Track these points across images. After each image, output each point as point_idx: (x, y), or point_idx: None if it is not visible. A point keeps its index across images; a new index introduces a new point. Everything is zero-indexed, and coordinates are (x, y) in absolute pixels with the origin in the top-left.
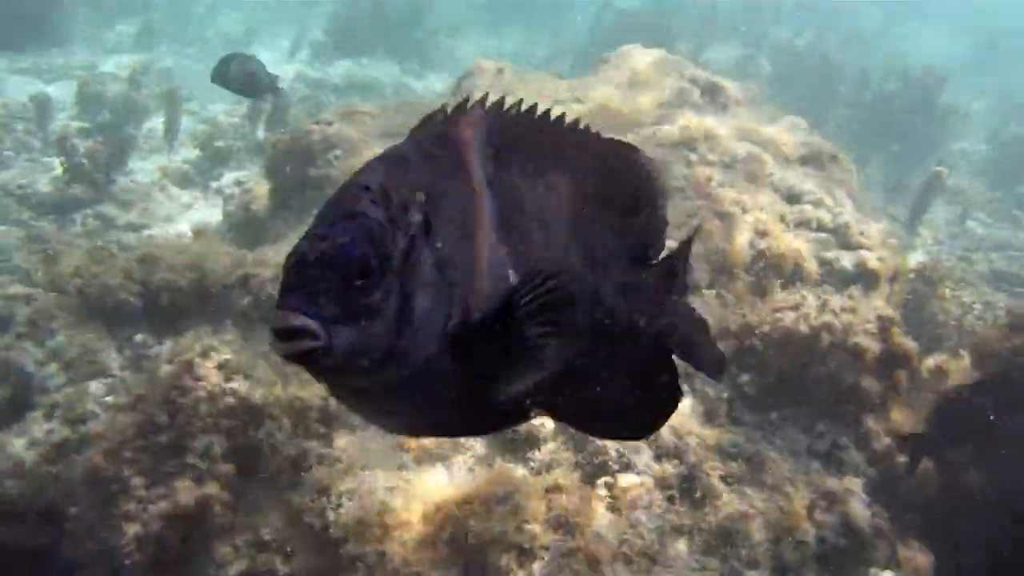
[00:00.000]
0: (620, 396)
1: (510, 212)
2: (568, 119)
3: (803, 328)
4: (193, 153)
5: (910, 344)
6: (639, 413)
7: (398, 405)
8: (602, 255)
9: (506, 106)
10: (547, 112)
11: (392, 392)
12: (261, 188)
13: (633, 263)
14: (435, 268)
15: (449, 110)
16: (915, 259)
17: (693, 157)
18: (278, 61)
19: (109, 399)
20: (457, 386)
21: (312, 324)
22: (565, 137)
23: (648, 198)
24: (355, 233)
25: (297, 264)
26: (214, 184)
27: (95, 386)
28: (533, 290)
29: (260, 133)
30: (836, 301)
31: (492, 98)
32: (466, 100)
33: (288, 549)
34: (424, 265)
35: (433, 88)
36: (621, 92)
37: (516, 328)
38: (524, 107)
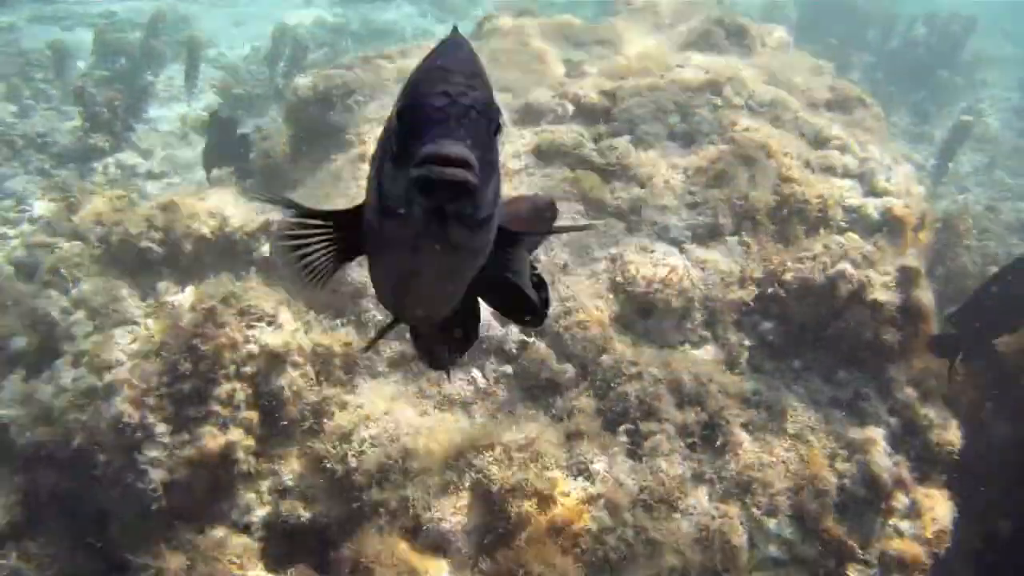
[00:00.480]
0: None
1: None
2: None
3: (824, 279)
4: (213, 100)
5: (929, 298)
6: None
7: (454, 268)
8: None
9: None
10: None
11: (466, 258)
12: (281, 134)
13: None
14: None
15: None
16: (941, 207)
17: (718, 101)
18: (296, 7)
19: (134, 347)
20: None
21: (472, 159)
22: None
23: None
24: (490, 90)
25: (452, 103)
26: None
27: (119, 333)
28: None
29: (279, 79)
30: (859, 250)
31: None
32: None
33: (310, 495)
34: (499, 149)
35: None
36: (645, 35)
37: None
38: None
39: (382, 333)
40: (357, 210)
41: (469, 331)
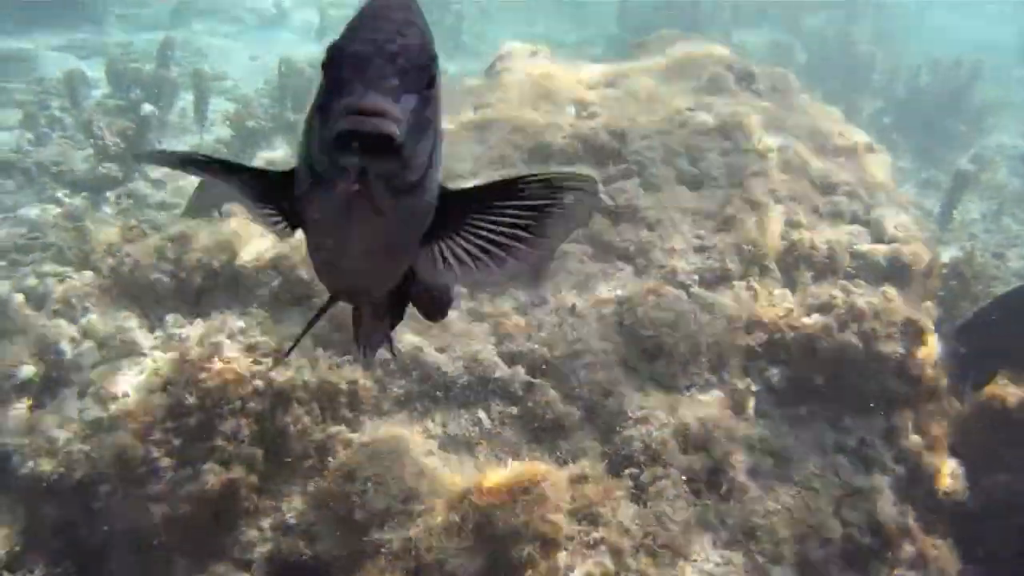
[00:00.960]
0: None
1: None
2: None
3: (832, 325)
4: (225, 132)
5: (936, 347)
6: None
7: (386, 239)
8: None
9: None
10: None
11: (400, 224)
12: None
13: None
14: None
15: None
16: (948, 254)
17: (727, 145)
18: (306, 42)
19: (140, 379)
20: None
21: (397, 112)
22: None
23: None
24: (426, 39)
25: (378, 51)
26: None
27: (126, 365)
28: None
29: (289, 114)
30: (867, 299)
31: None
32: None
33: (313, 533)
34: (436, 100)
35: (464, 70)
36: (656, 78)
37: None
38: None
39: (316, 317)
40: (289, 174)
41: (396, 314)
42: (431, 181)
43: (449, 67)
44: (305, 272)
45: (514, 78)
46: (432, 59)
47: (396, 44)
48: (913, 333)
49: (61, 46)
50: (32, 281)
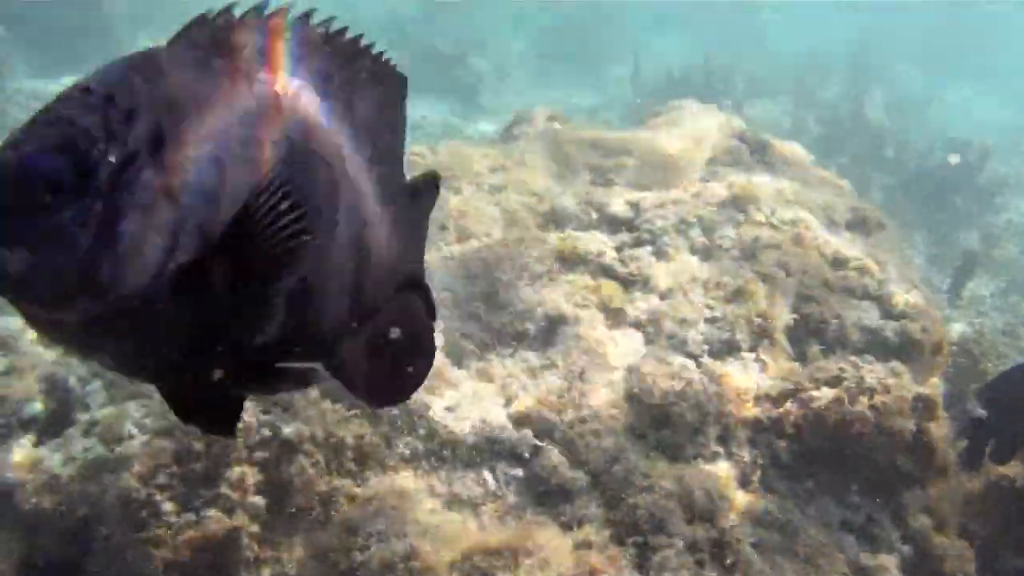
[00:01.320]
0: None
1: (301, 138)
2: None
3: (842, 399)
4: None
5: (941, 433)
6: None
7: (102, 342)
8: (385, 194)
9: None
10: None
11: (92, 328)
12: None
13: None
14: (162, 193)
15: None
16: (957, 331)
17: (740, 217)
18: None
19: (147, 422)
20: (186, 330)
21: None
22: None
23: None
24: (50, 141)
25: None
26: None
27: (134, 407)
28: (270, 208)
29: None
30: (876, 374)
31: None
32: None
33: None
34: (142, 187)
35: (481, 130)
36: (671, 145)
37: (253, 260)
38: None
39: None
40: None
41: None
42: (115, 274)
43: (466, 128)
44: None
45: (530, 148)
46: (53, 167)
47: (1, 157)
48: (924, 409)
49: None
50: None
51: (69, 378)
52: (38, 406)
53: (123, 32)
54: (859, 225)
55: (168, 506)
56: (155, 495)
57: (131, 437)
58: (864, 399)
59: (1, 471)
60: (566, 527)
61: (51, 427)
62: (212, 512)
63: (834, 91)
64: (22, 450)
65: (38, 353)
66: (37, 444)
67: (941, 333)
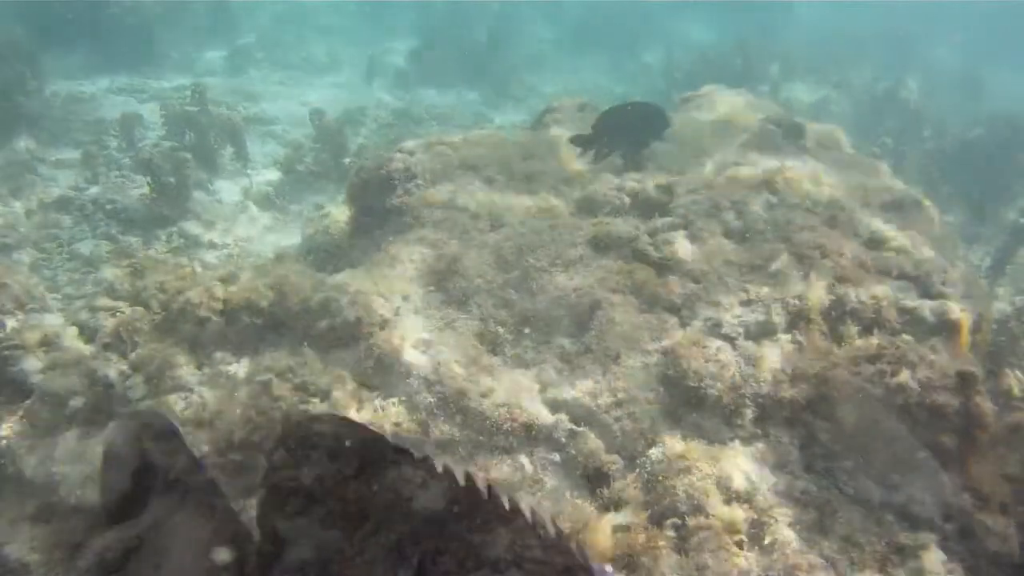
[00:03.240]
0: None
1: None
2: None
3: (878, 381)
4: (275, 175)
5: (988, 405)
6: None
7: None
8: None
9: None
10: None
11: None
12: (340, 213)
13: None
14: None
15: None
16: (998, 309)
17: (773, 199)
18: (357, 88)
19: (187, 414)
20: None
21: None
22: None
23: None
24: None
25: None
26: (295, 207)
27: (173, 400)
28: None
29: (344, 160)
30: (916, 352)
31: None
32: None
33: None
34: None
35: (511, 119)
36: (704, 131)
37: None
38: None
39: None
40: None
41: None
42: None
43: (496, 117)
44: (352, 314)
45: (563, 131)
46: None
47: None
48: (966, 385)
49: (121, 89)
50: (85, 315)
51: (108, 372)
52: (80, 400)
53: (160, 32)
54: (896, 205)
55: None
56: None
57: None
58: (905, 374)
59: (47, 465)
60: (604, 510)
61: (93, 420)
62: (252, 502)
63: (871, 73)
64: (67, 443)
65: (79, 350)
66: (80, 437)
67: (981, 312)
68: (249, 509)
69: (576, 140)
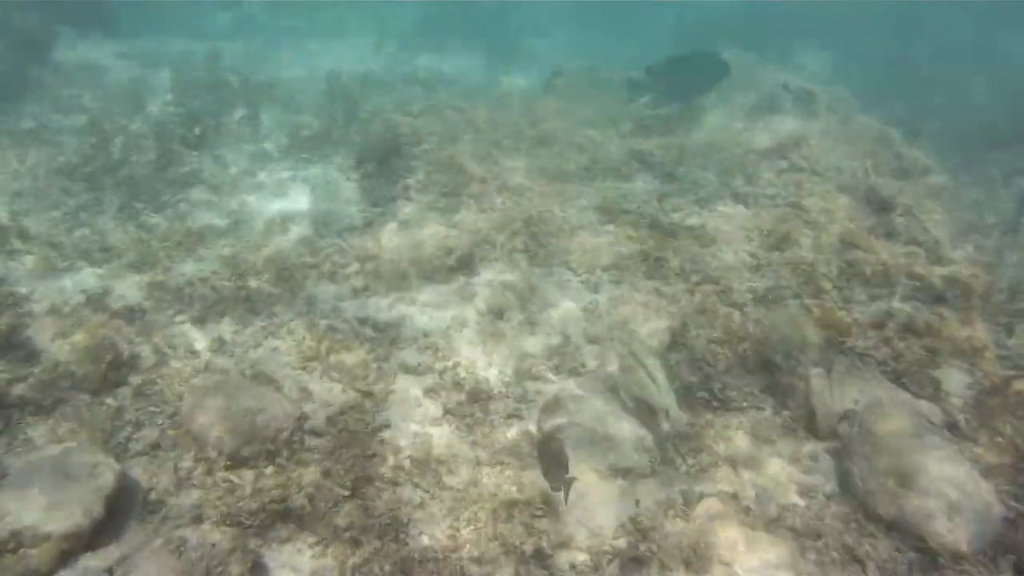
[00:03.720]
0: None
1: None
2: None
3: (886, 347)
4: (283, 141)
5: (997, 370)
6: None
7: None
8: None
9: None
10: None
11: None
12: (349, 178)
13: None
14: None
15: None
16: (1008, 276)
17: (783, 164)
18: (365, 54)
19: (196, 380)
20: None
21: None
22: None
23: None
24: None
25: None
26: (303, 172)
27: (183, 363)
28: None
29: (350, 124)
30: (924, 318)
31: None
32: None
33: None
34: None
35: (517, 84)
36: (713, 97)
37: None
38: None
39: None
40: None
41: None
42: None
43: (504, 80)
44: (356, 279)
45: (570, 93)
46: None
47: None
48: (974, 349)
49: (125, 53)
50: (93, 281)
51: (118, 342)
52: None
53: None
54: (905, 171)
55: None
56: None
57: (182, 398)
58: (911, 333)
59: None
60: (606, 477)
61: (106, 386)
62: (269, 469)
63: (882, 39)
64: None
65: (89, 316)
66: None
67: (990, 278)
68: (266, 476)
69: (632, 84)
